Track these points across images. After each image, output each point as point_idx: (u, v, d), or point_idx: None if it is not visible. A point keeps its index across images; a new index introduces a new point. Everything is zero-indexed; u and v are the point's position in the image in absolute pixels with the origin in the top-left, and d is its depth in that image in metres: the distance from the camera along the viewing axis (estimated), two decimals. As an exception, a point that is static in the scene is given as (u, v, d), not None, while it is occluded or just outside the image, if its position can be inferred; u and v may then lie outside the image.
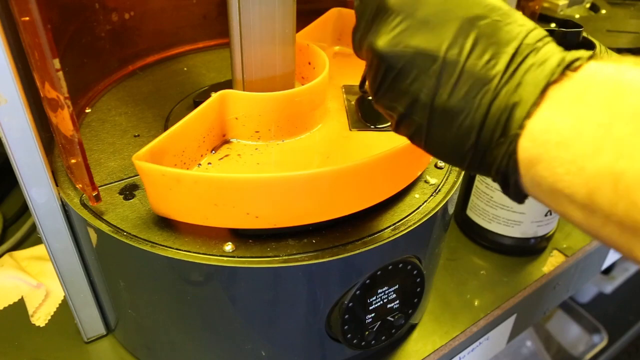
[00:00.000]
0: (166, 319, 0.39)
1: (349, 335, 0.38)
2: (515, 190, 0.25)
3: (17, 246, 0.56)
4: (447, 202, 0.40)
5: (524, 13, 0.64)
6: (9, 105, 0.33)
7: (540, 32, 0.25)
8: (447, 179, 0.42)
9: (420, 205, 0.40)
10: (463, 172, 0.43)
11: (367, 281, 0.37)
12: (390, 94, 0.27)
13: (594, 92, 0.22)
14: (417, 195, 0.41)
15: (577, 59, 0.23)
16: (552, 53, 0.24)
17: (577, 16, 0.78)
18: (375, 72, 0.27)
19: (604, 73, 0.23)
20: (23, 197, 0.37)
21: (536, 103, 0.23)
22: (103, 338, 0.47)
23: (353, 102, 0.46)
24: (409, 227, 0.37)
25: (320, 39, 0.52)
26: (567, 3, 0.78)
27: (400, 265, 0.38)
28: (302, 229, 0.36)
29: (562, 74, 0.23)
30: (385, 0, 0.27)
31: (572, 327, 1.11)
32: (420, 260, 0.40)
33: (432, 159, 0.43)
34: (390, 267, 0.38)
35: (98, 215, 0.37)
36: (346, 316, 0.37)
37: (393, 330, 0.41)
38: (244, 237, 0.36)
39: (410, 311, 0.42)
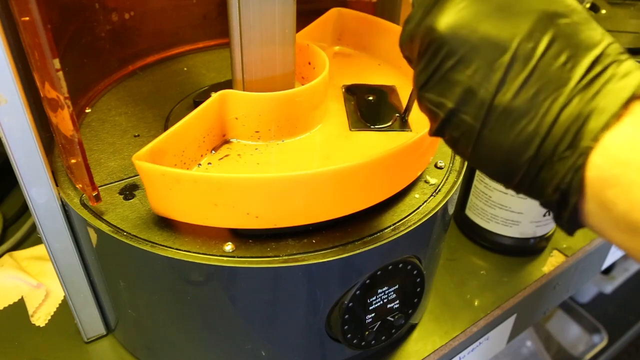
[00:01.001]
0: (166, 319, 0.39)
1: (349, 335, 0.38)
2: (571, 217, 0.22)
3: (17, 246, 0.56)
4: (447, 202, 0.40)
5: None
6: (9, 105, 0.33)
7: (620, 46, 0.23)
8: (447, 179, 0.42)
9: (420, 205, 0.40)
10: (463, 173, 0.43)
11: (367, 281, 0.37)
12: (442, 86, 0.24)
13: None
14: (417, 195, 0.41)
15: None
16: (636, 68, 0.22)
17: (577, 16, 0.77)
18: (430, 57, 0.24)
19: None
20: (23, 197, 0.37)
21: (617, 114, 0.20)
22: (103, 338, 0.47)
23: (353, 102, 0.46)
24: (409, 227, 0.37)
25: (320, 39, 0.52)
26: (567, 3, 0.78)
27: (400, 265, 0.38)
28: (302, 229, 0.36)
29: None
30: None
31: (572, 327, 1.11)
32: (420, 260, 0.40)
33: (432, 159, 0.43)
34: (390, 267, 0.38)
35: (98, 215, 0.37)
36: (346, 316, 0.37)
37: (393, 330, 0.41)
38: (244, 237, 0.36)
39: (410, 311, 0.42)
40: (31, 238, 0.57)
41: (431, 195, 0.41)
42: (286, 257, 0.35)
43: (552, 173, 0.22)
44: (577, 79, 0.22)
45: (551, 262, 0.58)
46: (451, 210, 0.43)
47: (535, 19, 0.22)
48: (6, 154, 0.34)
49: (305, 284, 0.36)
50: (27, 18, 0.30)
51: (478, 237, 0.58)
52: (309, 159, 0.40)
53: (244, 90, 0.41)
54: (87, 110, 0.48)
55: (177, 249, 0.35)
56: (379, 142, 0.42)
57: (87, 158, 0.35)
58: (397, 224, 0.38)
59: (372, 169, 0.35)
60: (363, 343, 0.40)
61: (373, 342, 0.40)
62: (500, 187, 0.53)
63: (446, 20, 0.23)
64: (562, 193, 0.22)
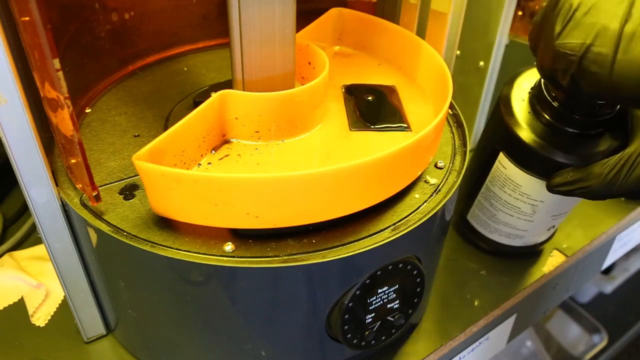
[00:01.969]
0: (166, 319, 0.39)
1: (349, 335, 0.38)
2: None
3: (17, 246, 0.56)
4: (447, 202, 0.40)
5: (524, 13, 0.64)
6: (9, 105, 0.33)
7: None
8: (447, 179, 0.42)
9: (420, 205, 0.40)
10: (463, 173, 0.43)
11: (367, 281, 0.37)
12: (579, 30, 0.29)
13: None
14: (417, 195, 0.41)
15: None
16: None
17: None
18: (566, 10, 0.29)
19: None
20: (23, 197, 0.37)
21: None
22: (103, 338, 0.47)
23: (353, 102, 0.46)
24: (409, 227, 0.37)
25: (320, 39, 0.52)
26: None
27: (400, 265, 0.38)
28: (302, 229, 0.36)
29: None
30: None
31: (572, 327, 1.11)
32: (420, 260, 0.40)
33: (432, 159, 0.43)
34: (390, 267, 0.38)
35: (98, 215, 0.37)
36: (346, 316, 0.37)
37: (393, 330, 0.41)
38: (244, 237, 0.36)
39: (410, 311, 0.42)
40: (31, 238, 0.57)
41: (431, 195, 0.41)
42: (286, 257, 0.35)
43: None
44: None
45: (551, 262, 0.58)
46: (451, 210, 0.43)
47: None
48: (6, 154, 0.34)
49: (305, 284, 0.36)
50: (27, 18, 0.30)
51: (479, 242, 0.58)
52: (309, 159, 0.40)
53: (244, 90, 0.41)
54: (87, 110, 0.48)
55: (177, 249, 0.35)
56: (379, 142, 0.42)
57: (87, 158, 0.35)
58: (397, 224, 0.38)
59: (372, 169, 0.35)
60: (363, 343, 0.40)
61: (373, 342, 0.40)
62: (508, 211, 0.52)
63: None
64: None
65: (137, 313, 0.41)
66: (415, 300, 0.42)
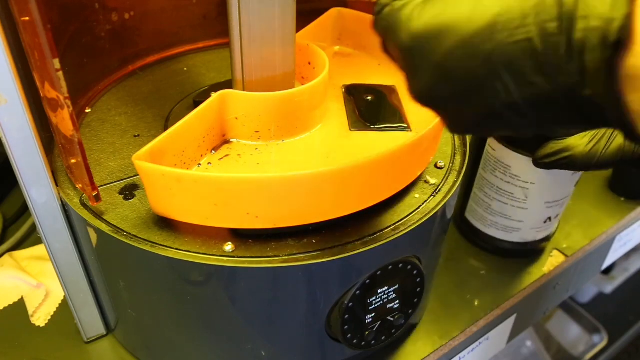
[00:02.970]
0: (166, 319, 0.39)
1: (349, 335, 0.38)
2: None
3: (17, 246, 0.56)
4: (447, 202, 0.40)
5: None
6: (9, 105, 0.33)
7: None
8: (447, 179, 0.42)
9: (420, 205, 0.40)
10: (463, 173, 0.43)
11: (367, 281, 0.37)
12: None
13: None
14: (417, 195, 0.41)
15: None
16: None
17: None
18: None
19: None
20: (23, 197, 0.37)
21: None
22: (103, 338, 0.47)
23: (353, 102, 0.46)
24: (409, 227, 0.37)
25: (320, 39, 0.52)
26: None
27: (400, 265, 0.38)
28: (302, 229, 0.36)
29: None
30: None
31: (572, 327, 1.11)
32: (420, 260, 0.40)
33: (432, 159, 0.43)
34: (390, 267, 0.38)
35: (98, 215, 0.37)
36: (346, 316, 0.37)
37: (393, 330, 0.41)
38: (244, 237, 0.36)
39: (410, 311, 0.42)
40: (31, 238, 0.57)
41: (431, 195, 0.41)
42: (286, 257, 0.35)
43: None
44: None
45: (551, 262, 0.58)
46: (451, 210, 0.43)
47: None
48: (6, 154, 0.34)
49: (305, 284, 0.36)
50: (27, 18, 0.30)
51: (478, 239, 0.58)
52: (309, 159, 0.40)
53: (244, 90, 0.41)
54: (87, 110, 0.48)
55: (177, 249, 0.35)
56: (379, 142, 0.42)
57: (87, 158, 0.35)
58: (397, 224, 0.38)
59: (372, 169, 0.35)
60: (363, 343, 0.40)
61: (373, 342, 0.40)
62: (501, 198, 0.53)
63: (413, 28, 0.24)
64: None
65: (137, 313, 0.41)
66: (415, 300, 0.42)
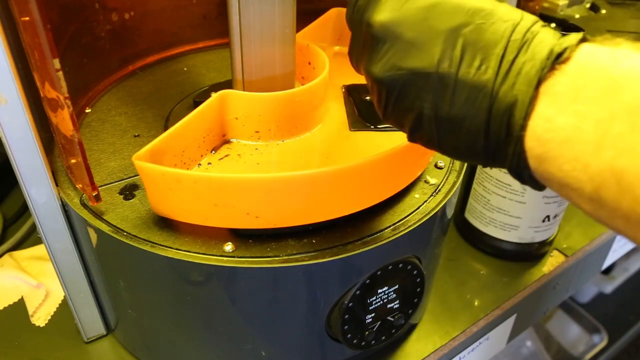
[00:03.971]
0: (166, 319, 0.39)
1: (349, 335, 0.38)
2: (531, 183, 0.26)
3: (17, 246, 0.56)
4: (447, 202, 0.40)
5: (524, 13, 0.64)
6: (9, 105, 0.33)
7: (527, 21, 0.25)
8: (447, 179, 0.42)
9: (420, 205, 0.40)
10: (463, 173, 0.43)
11: (367, 281, 0.37)
12: (397, 113, 0.28)
13: (590, 85, 0.22)
14: (417, 195, 0.41)
15: (566, 48, 0.23)
16: (543, 43, 0.24)
17: (577, 16, 0.77)
18: (378, 95, 0.28)
19: (598, 62, 0.22)
20: (23, 197, 0.37)
21: (532, 102, 0.23)
22: (103, 338, 0.47)
23: (353, 102, 0.46)
24: (409, 227, 0.37)
25: (320, 39, 0.52)
26: (567, 3, 0.78)
27: (400, 265, 0.38)
28: (302, 229, 0.36)
29: (553, 67, 0.23)
30: (370, 30, 0.28)
31: (572, 327, 1.11)
32: (420, 260, 0.40)
33: (432, 159, 0.43)
34: (390, 267, 0.38)
35: (98, 215, 0.37)
36: (346, 316, 0.37)
37: (393, 330, 0.41)
38: (244, 237, 0.36)
39: (410, 311, 0.42)
40: (31, 238, 0.57)
41: (431, 195, 0.41)
42: (286, 257, 0.35)
43: (503, 155, 0.25)
44: (493, 77, 0.24)
45: (551, 262, 0.58)
46: (451, 210, 0.43)
47: (443, 39, 0.25)
48: (6, 154, 0.34)
49: (305, 284, 0.36)
50: (27, 18, 0.30)
51: (478, 241, 0.58)
52: (309, 159, 0.40)
53: (244, 90, 0.41)
54: (87, 110, 0.48)
55: (177, 249, 0.35)
56: (379, 142, 0.42)
57: (87, 158, 0.35)
58: (397, 224, 0.38)
59: (372, 169, 0.35)
60: (363, 343, 0.40)
61: (373, 342, 0.40)
62: (499, 191, 0.53)
63: (377, 68, 0.27)
64: (515, 170, 0.25)
65: (137, 313, 0.41)
66: (415, 300, 0.42)
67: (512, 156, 0.25)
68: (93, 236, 0.38)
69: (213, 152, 0.40)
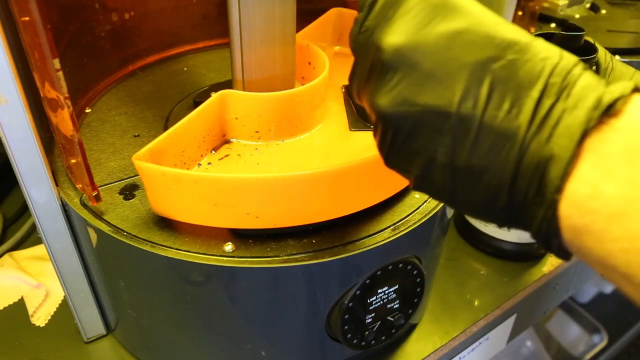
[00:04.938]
0: (166, 319, 0.39)
1: (349, 335, 0.38)
2: (560, 253, 0.22)
3: (17, 246, 0.56)
4: (447, 202, 0.40)
5: (524, 13, 0.64)
6: (9, 105, 0.33)
7: (568, 62, 0.21)
8: (447, 179, 0.42)
9: (420, 205, 0.40)
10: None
11: (367, 281, 0.37)
12: (403, 156, 0.24)
13: None
14: (417, 196, 0.41)
15: (618, 99, 0.19)
16: (588, 90, 0.20)
17: (577, 16, 0.77)
18: (383, 134, 0.24)
19: None
20: (23, 197, 0.37)
21: (573, 160, 0.19)
22: (103, 338, 0.47)
23: (353, 102, 0.46)
24: (409, 227, 0.37)
25: (320, 39, 0.52)
26: (567, 3, 0.78)
27: (400, 265, 0.38)
28: (302, 229, 0.36)
29: (601, 121, 0.19)
30: (379, 55, 0.23)
31: (572, 327, 1.11)
32: (420, 260, 0.40)
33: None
34: (390, 267, 0.38)
35: (98, 215, 0.37)
36: (346, 316, 0.37)
37: (393, 330, 0.41)
38: (244, 237, 0.36)
39: (410, 311, 0.42)
40: (31, 238, 0.57)
41: (431, 195, 0.41)
42: (286, 257, 0.35)
43: (529, 218, 0.21)
44: (526, 125, 0.20)
45: (551, 262, 0.58)
46: (451, 210, 0.43)
47: (468, 74, 0.21)
48: (6, 154, 0.34)
49: (305, 284, 0.36)
50: (27, 18, 0.30)
51: (477, 241, 0.58)
52: (309, 159, 0.40)
53: (244, 90, 0.41)
54: (87, 110, 0.48)
55: (177, 249, 0.35)
56: (379, 142, 0.42)
57: (87, 158, 0.35)
58: (397, 224, 0.38)
59: (372, 168, 0.35)
60: (363, 343, 0.40)
61: (373, 342, 0.40)
62: None
63: (384, 100, 0.23)
64: (543, 237, 0.21)
65: (137, 313, 0.41)
66: (415, 300, 0.42)
67: (540, 221, 0.21)
68: (93, 236, 0.38)
69: (213, 152, 0.40)
